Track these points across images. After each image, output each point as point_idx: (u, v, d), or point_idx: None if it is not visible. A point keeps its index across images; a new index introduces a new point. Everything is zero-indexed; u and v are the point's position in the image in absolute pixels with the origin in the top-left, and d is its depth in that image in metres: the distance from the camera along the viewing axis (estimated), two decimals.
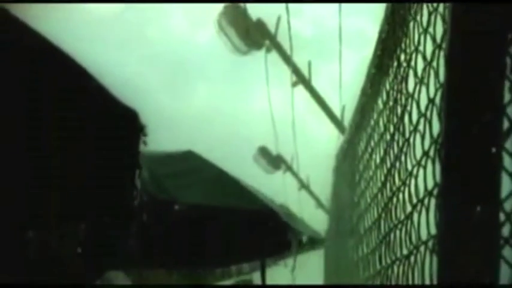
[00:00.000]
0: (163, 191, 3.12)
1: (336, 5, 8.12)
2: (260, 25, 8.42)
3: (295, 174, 16.66)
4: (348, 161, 4.81)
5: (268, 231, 4.47)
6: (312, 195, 16.47)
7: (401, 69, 2.11)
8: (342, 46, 7.87)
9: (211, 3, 8.91)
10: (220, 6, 8.71)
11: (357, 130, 3.86)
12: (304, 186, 16.87)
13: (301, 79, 8.49)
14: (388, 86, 2.49)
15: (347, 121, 5.85)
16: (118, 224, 3.18)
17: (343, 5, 8.03)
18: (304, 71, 8.78)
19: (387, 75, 2.55)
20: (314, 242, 5.09)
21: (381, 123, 2.73)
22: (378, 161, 2.77)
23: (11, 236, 3.21)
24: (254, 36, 8.42)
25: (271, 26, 8.38)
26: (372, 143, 3.02)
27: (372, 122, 3.07)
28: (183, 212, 3.82)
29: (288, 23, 7.39)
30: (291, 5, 7.77)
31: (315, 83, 8.53)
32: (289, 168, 16.62)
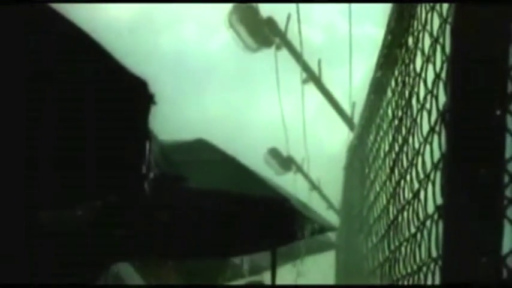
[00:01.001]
0: (173, 167, 3.08)
1: (345, 12, 8.16)
2: (270, 23, 8.45)
3: (306, 176, 16.63)
4: (358, 156, 4.82)
5: (281, 219, 4.37)
6: (322, 197, 16.44)
7: (409, 52, 2.13)
8: (352, 35, 7.88)
9: (221, 3, 8.95)
10: (229, 5, 8.75)
11: (366, 122, 3.88)
12: (315, 187, 16.84)
13: (312, 76, 8.52)
14: (396, 72, 2.51)
15: (357, 118, 5.87)
16: (127, 200, 3.17)
17: (353, 11, 8.06)
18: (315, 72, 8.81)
19: (395, 64, 2.57)
20: (325, 230, 4.98)
21: (389, 110, 2.74)
22: (386, 148, 2.78)
23: (21, 218, 3.21)
24: (264, 34, 8.45)
25: (281, 24, 8.42)
26: (381, 132, 3.04)
27: (381, 111, 3.09)
28: (193, 196, 3.78)
29: (298, 19, 7.44)
30: (301, 10, 7.82)
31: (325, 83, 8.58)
32: (299, 169, 16.60)
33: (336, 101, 9.01)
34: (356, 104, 7.66)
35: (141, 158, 2.58)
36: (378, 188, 3.13)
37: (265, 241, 4.72)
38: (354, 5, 8.23)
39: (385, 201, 2.76)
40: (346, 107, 8.63)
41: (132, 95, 2.38)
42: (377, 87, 3.25)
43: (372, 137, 3.68)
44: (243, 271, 9.87)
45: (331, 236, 11.16)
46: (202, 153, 4.21)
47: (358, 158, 4.74)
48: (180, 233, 4.16)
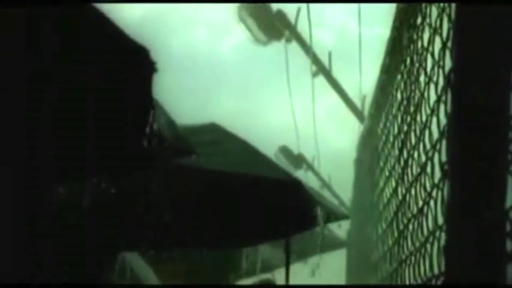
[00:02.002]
0: (181, 140, 2.98)
1: (355, 14, 8.16)
2: (280, 15, 8.47)
3: (316, 174, 16.64)
4: (368, 146, 4.82)
5: (295, 202, 4.13)
6: (333, 194, 16.44)
7: (417, 29, 2.14)
8: (361, 28, 7.87)
9: (230, 3, 8.97)
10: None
11: (376, 109, 3.88)
12: (326, 185, 16.85)
13: (321, 68, 8.53)
14: (405, 53, 2.52)
15: (367, 112, 5.86)
16: (131, 174, 3.13)
17: (363, 14, 8.06)
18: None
19: (404, 47, 2.57)
20: (339, 218, 4.71)
21: (398, 93, 2.75)
22: (396, 130, 2.79)
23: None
24: (274, 27, 8.47)
25: (291, 17, 8.44)
26: (390, 116, 3.04)
27: (390, 97, 3.09)
28: (201, 176, 3.71)
29: (308, 13, 7.44)
30: (311, 12, 7.84)
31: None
32: (310, 167, 16.60)
33: (346, 94, 9.02)
34: (366, 97, 7.66)
35: (145, 126, 2.53)
36: (387, 173, 3.13)
37: (278, 228, 4.41)
38: (363, 8, 8.25)
39: (394, 184, 2.76)
40: (357, 101, 8.64)
41: (134, 61, 2.36)
42: (387, 72, 3.26)
43: (381, 124, 3.67)
44: (255, 267, 9.85)
45: (343, 233, 11.16)
46: (214, 136, 4.11)
47: (368, 147, 4.74)
48: (186, 217, 4.06)
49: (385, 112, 3.45)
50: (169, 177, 3.37)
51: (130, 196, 3.56)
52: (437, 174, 1.52)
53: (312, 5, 7.82)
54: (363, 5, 8.08)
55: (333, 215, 4.71)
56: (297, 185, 4.20)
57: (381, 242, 3.29)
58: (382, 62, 3.52)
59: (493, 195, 1.14)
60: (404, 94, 2.55)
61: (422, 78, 2.00)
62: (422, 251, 1.79)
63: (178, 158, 3.09)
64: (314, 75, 8.61)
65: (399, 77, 2.76)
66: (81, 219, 3.62)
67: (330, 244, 11.48)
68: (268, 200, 4.10)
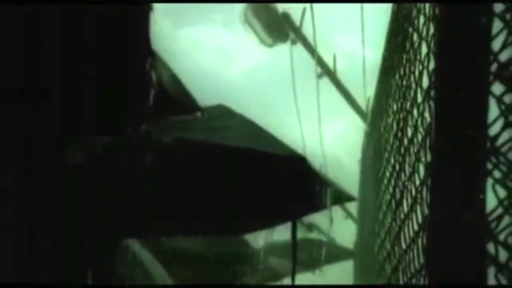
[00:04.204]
0: (186, 96, 2.82)
1: (366, 41, 8.25)
2: (285, 18, 8.62)
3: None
4: (370, 144, 4.91)
5: (301, 180, 3.83)
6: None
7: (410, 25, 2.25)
8: (363, 17, 7.97)
9: (236, 3, 9.09)
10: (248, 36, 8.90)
11: (377, 107, 3.96)
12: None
13: (326, 70, 8.69)
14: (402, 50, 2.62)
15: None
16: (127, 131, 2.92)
17: (371, 40, 8.13)
18: None
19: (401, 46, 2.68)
20: (346, 199, 4.22)
21: (396, 89, 2.84)
22: (395, 127, 2.87)
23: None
24: (279, 29, 8.62)
25: (296, 19, 8.59)
26: (390, 112, 3.11)
27: (390, 92, 3.18)
28: (199, 149, 3.46)
29: (312, 14, 7.59)
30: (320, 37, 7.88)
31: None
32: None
33: (351, 96, 9.17)
34: (371, 98, 7.77)
35: (142, 74, 2.40)
36: (386, 177, 3.18)
37: (284, 208, 4.02)
38: (371, 34, 8.35)
39: (391, 188, 2.83)
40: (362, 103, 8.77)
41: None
42: (386, 71, 3.37)
43: (383, 122, 3.73)
44: (263, 276, 9.88)
45: (348, 244, 11.21)
46: (221, 116, 3.85)
47: (370, 146, 4.80)
48: (185, 192, 3.69)
49: (384, 108, 3.53)
50: (166, 150, 3.22)
51: (131, 173, 3.39)
52: None
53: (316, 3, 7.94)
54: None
55: (340, 195, 4.29)
56: (302, 161, 3.90)
57: (380, 247, 3.34)
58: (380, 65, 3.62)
59: (473, 198, 1.23)
60: (400, 82, 2.63)
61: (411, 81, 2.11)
62: (410, 252, 1.89)
63: (183, 115, 2.95)
64: (319, 76, 8.74)
65: (397, 74, 2.86)
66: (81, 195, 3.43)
67: (335, 254, 11.54)
68: (271, 177, 3.80)
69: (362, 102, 8.87)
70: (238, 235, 4.75)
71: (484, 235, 1.22)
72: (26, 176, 3.12)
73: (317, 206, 3.96)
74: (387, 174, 2.93)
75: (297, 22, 8.61)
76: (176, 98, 2.70)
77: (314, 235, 11.53)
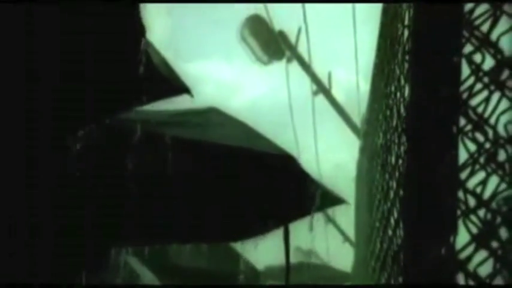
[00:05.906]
0: (176, 78, 2.82)
1: (366, 73, 8.43)
2: (282, 36, 8.85)
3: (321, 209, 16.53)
4: (364, 155, 4.98)
5: (291, 180, 3.81)
6: (337, 229, 16.43)
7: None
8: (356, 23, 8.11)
9: (238, 3, 9.21)
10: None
11: (370, 115, 4.02)
12: (329, 219, 16.84)
13: (321, 88, 8.89)
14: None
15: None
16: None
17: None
18: None
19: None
20: (336, 202, 4.05)
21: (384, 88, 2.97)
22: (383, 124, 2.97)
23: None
24: (275, 47, 8.84)
25: (292, 38, 8.82)
26: (380, 114, 3.21)
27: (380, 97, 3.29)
28: (189, 147, 3.46)
29: (306, 31, 7.80)
30: None
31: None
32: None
33: (346, 113, 9.35)
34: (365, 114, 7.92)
35: (136, 54, 2.42)
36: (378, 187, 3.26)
37: (275, 211, 3.99)
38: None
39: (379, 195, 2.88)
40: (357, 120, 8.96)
41: None
42: (376, 78, 3.49)
43: (374, 139, 3.76)
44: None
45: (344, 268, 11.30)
46: (212, 117, 3.86)
47: (364, 158, 4.86)
48: (176, 194, 3.67)
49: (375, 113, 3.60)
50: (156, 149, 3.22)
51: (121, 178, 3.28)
52: None
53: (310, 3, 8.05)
54: None
55: (329, 196, 4.21)
56: (293, 160, 3.83)
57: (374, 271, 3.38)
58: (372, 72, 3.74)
59: (447, 153, 1.34)
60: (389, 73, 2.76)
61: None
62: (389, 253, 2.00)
63: (173, 96, 2.92)
64: (314, 93, 8.93)
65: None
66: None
67: (331, 277, 11.64)
68: (262, 176, 3.78)
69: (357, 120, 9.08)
70: (235, 241, 4.62)
71: (457, 185, 1.32)
72: (26, 176, 3.17)
73: (308, 206, 3.93)
74: (378, 191, 2.99)
75: (293, 40, 8.85)
76: (167, 78, 2.68)
77: (312, 259, 11.66)
